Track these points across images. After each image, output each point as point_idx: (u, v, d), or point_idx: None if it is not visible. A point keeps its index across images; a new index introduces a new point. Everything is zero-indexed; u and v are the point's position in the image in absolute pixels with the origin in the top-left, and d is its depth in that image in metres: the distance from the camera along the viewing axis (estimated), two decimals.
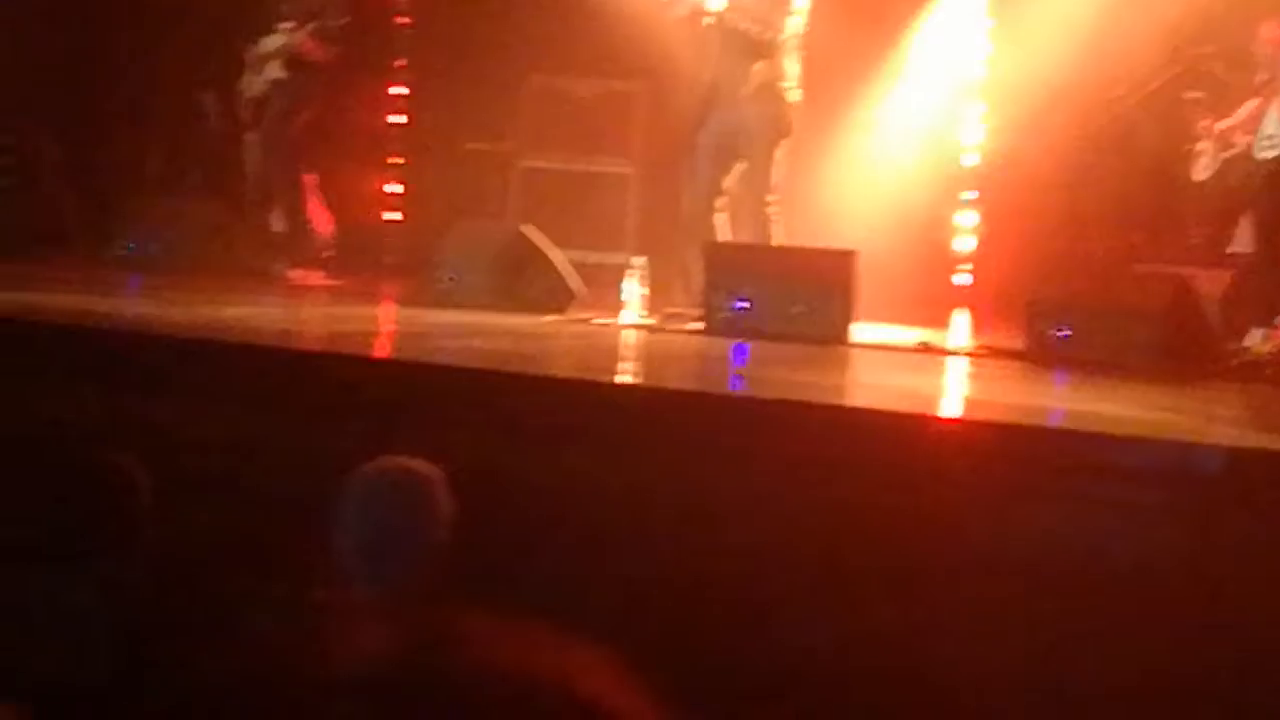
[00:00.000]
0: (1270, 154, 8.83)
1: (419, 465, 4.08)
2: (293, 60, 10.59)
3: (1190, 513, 5.10)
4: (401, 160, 12.54)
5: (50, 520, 3.43)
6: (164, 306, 7.88)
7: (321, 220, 11.03)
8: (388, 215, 12.22)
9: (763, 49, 9.18)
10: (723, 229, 9.37)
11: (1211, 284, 8.94)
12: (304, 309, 9.20)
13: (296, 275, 10.50)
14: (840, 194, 10.76)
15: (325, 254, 10.90)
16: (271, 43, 10.68)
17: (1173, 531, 5.09)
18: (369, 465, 4.05)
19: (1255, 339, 8.61)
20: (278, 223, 11.09)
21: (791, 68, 9.24)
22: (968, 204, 11.70)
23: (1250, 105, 10.35)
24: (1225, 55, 10.84)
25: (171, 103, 11.48)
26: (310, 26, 10.49)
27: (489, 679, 0.73)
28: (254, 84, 10.82)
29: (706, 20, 9.19)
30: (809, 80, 9.31)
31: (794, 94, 9.24)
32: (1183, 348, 7.94)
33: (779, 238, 9.29)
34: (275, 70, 10.67)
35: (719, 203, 9.36)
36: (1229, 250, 10.71)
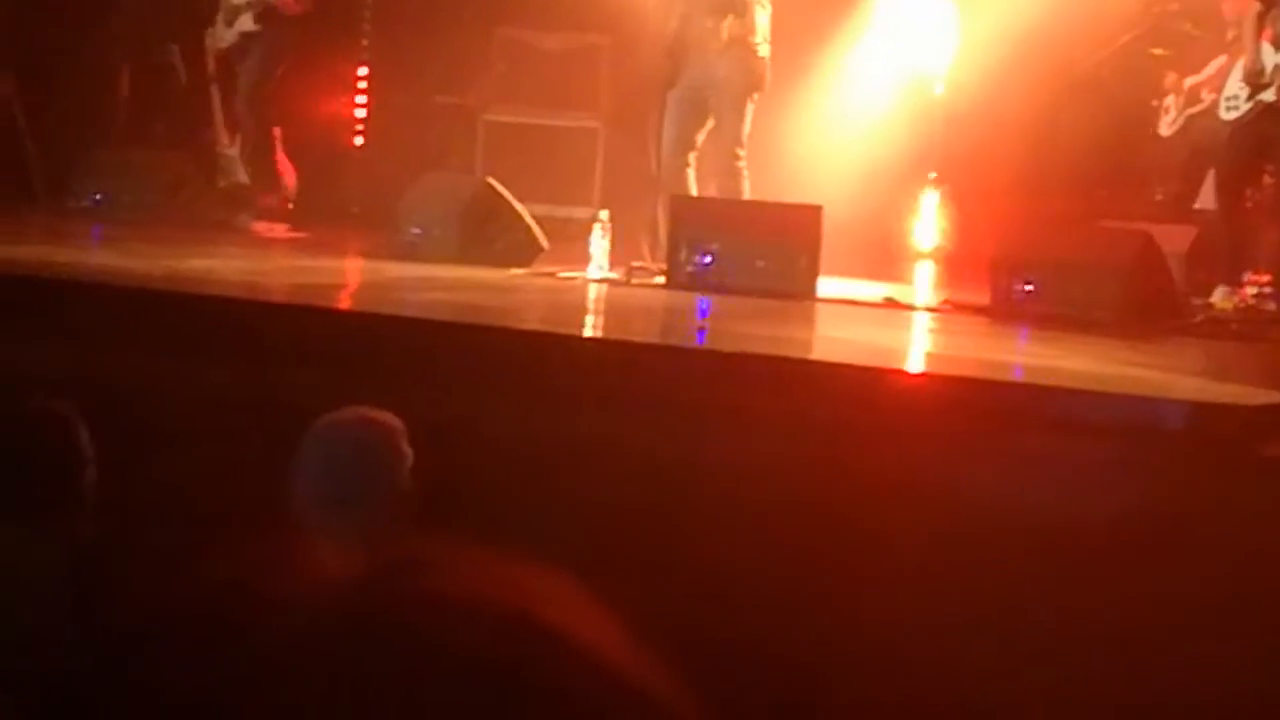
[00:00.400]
0: (1233, 114, 8.84)
1: (381, 415, 4.08)
2: (266, 13, 10.53)
3: (1153, 467, 5.12)
4: (365, 112, 12.49)
5: None
6: (127, 258, 7.84)
7: (286, 173, 11.00)
8: (353, 166, 12.17)
9: (732, 4, 9.16)
10: (696, 184, 9.36)
11: (1176, 240, 8.97)
12: (269, 261, 9.17)
13: (262, 227, 10.46)
14: (807, 149, 10.75)
15: (290, 206, 10.87)
16: None
17: (1135, 485, 5.11)
18: (331, 415, 4.05)
19: (1220, 296, 8.65)
20: (243, 174, 11.06)
21: (762, 22, 9.22)
22: (933, 159, 11.71)
23: (1218, 62, 10.36)
24: (1193, 12, 10.86)
25: (136, 54, 11.40)
26: None
27: (449, 601, 0.74)
28: (225, 36, 10.77)
29: None
30: (776, 34, 9.29)
31: (764, 49, 9.23)
32: (1147, 303, 7.96)
33: (747, 193, 9.28)
34: (247, 23, 10.62)
35: (691, 158, 9.34)
36: (1195, 206, 10.74)
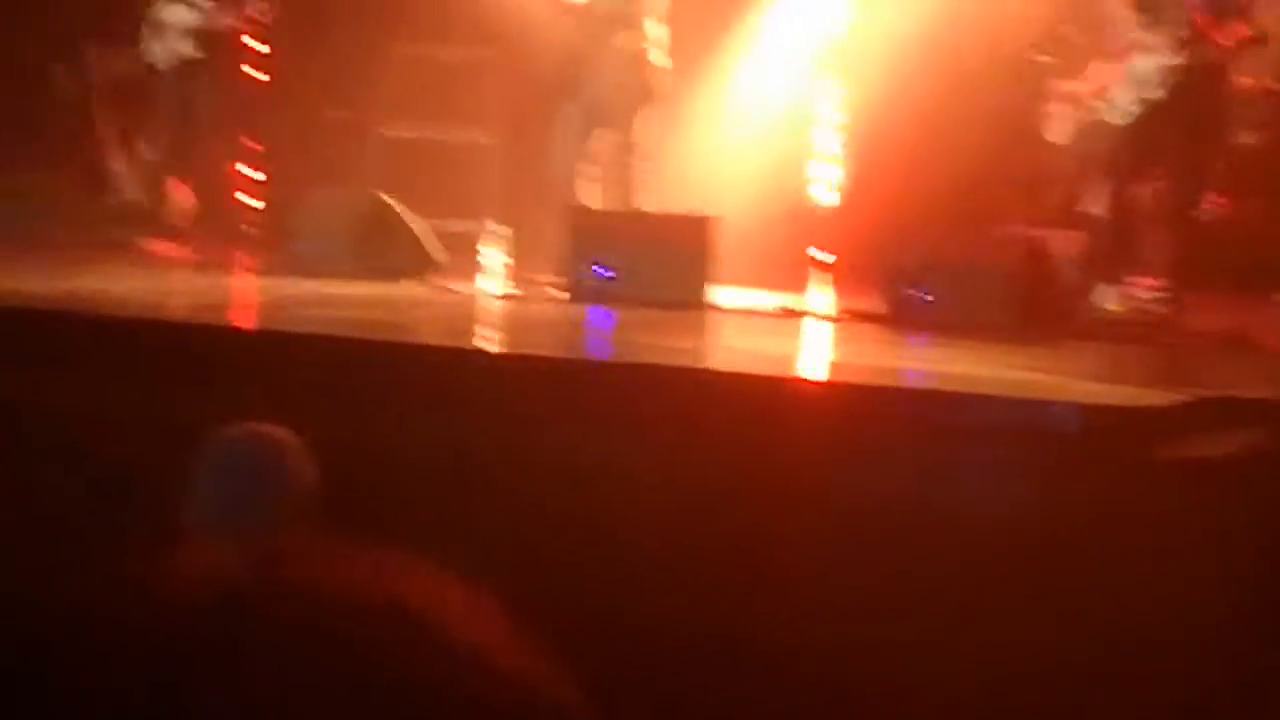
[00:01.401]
0: (1123, 121, 8.94)
1: (273, 430, 4.04)
2: (210, 40, 10.39)
3: (1047, 470, 5.16)
4: (260, 130, 12.41)
5: None
6: (19, 279, 7.75)
7: (181, 191, 10.90)
8: (247, 180, 12.09)
9: (624, 16, 9.17)
10: (594, 196, 9.37)
11: (1067, 244, 9.05)
12: (163, 280, 9.09)
13: (156, 247, 10.36)
14: (709, 157, 10.78)
15: (183, 225, 10.78)
16: (178, 15, 10.43)
17: (1031, 489, 5.15)
18: (223, 430, 4.01)
19: (1106, 296, 8.73)
20: (137, 192, 10.95)
21: (656, 32, 9.23)
22: (828, 168, 11.76)
23: (1100, 67, 10.47)
24: (1077, 17, 10.97)
25: (16, 73, 11.27)
26: (248, 10, 10.36)
27: (318, 590, 0.74)
28: (155, 53, 10.56)
29: None
30: (676, 43, 9.31)
31: (661, 59, 9.24)
32: (1038, 307, 8.04)
33: (649, 203, 9.30)
34: (188, 47, 10.42)
35: (589, 170, 9.35)
36: (1083, 211, 10.85)
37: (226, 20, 10.39)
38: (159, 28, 10.55)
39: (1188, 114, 8.63)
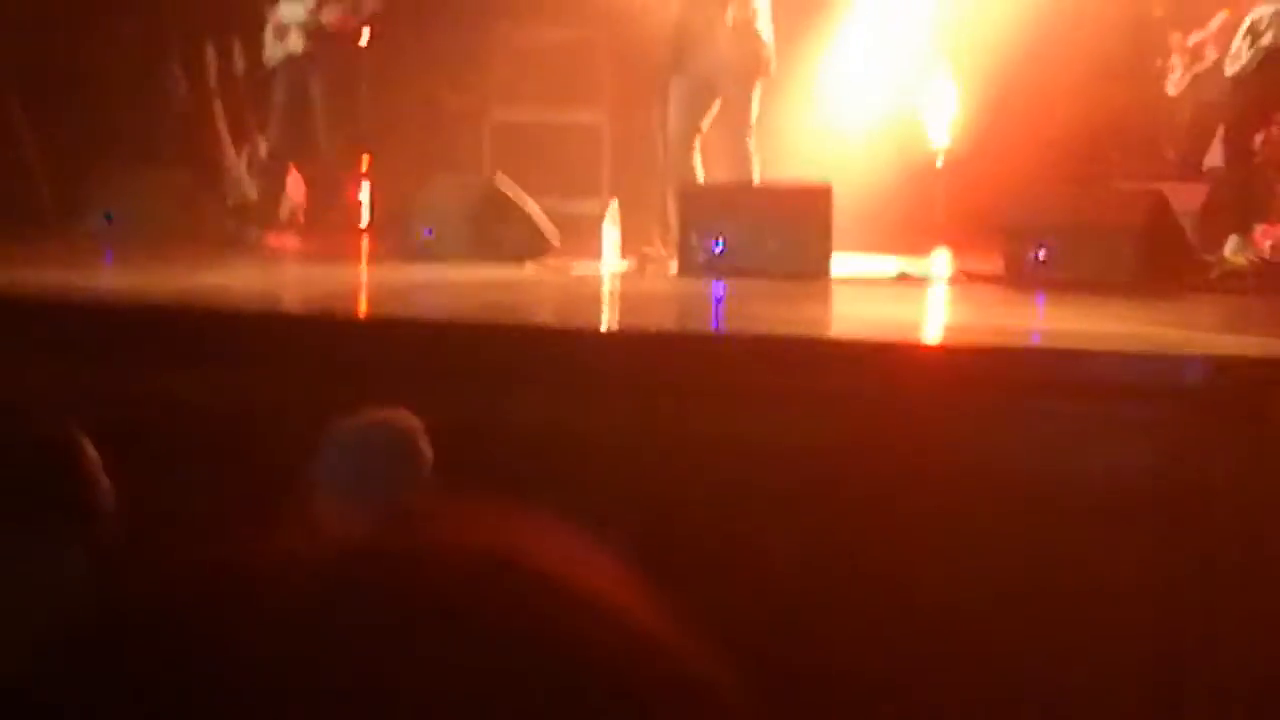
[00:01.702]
0: (1235, 67, 8.80)
1: (399, 415, 4.08)
2: (318, 34, 10.51)
3: (1177, 424, 5.11)
4: (374, 120, 12.49)
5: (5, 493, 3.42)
6: (140, 277, 7.85)
7: (296, 185, 11.02)
8: (363, 171, 12.19)
9: None
10: (707, 170, 9.36)
11: (1188, 198, 8.95)
12: (282, 273, 9.19)
13: (273, 240, 10.47)
14: (813, 128, 10.74)
15: (299, 218, 10.89)
16: (293, 13, 10.57)
17: (1160, 444, 5.10)
18: (349, 418, 4.05)
19: (1232, 247, 8.61)
20: (252, 190, 11.07)
21: (762, 4, 9.21)
22: (942, 130, 11.68)
23: (1220, 18, 10.34)
24: None
25: (137, 73, 11.41)
26: (346, 2, 10.47)
27: (455, 548, 0.74)
28: (276, 51, 10.73)
29: None
30: (776, 13, 9.28)
31: (767, 31, 9.21)
32: (1161, 263, 7.95)
33: (758, 176, 9.28)
34: (298, 43, 10.57)
35: (697, 144, 9.34)
36: (1205, 164, 10.72)
37: (335, 14, 10.47)
38: (276, 25, 10.67)
39: None
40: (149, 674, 0.76)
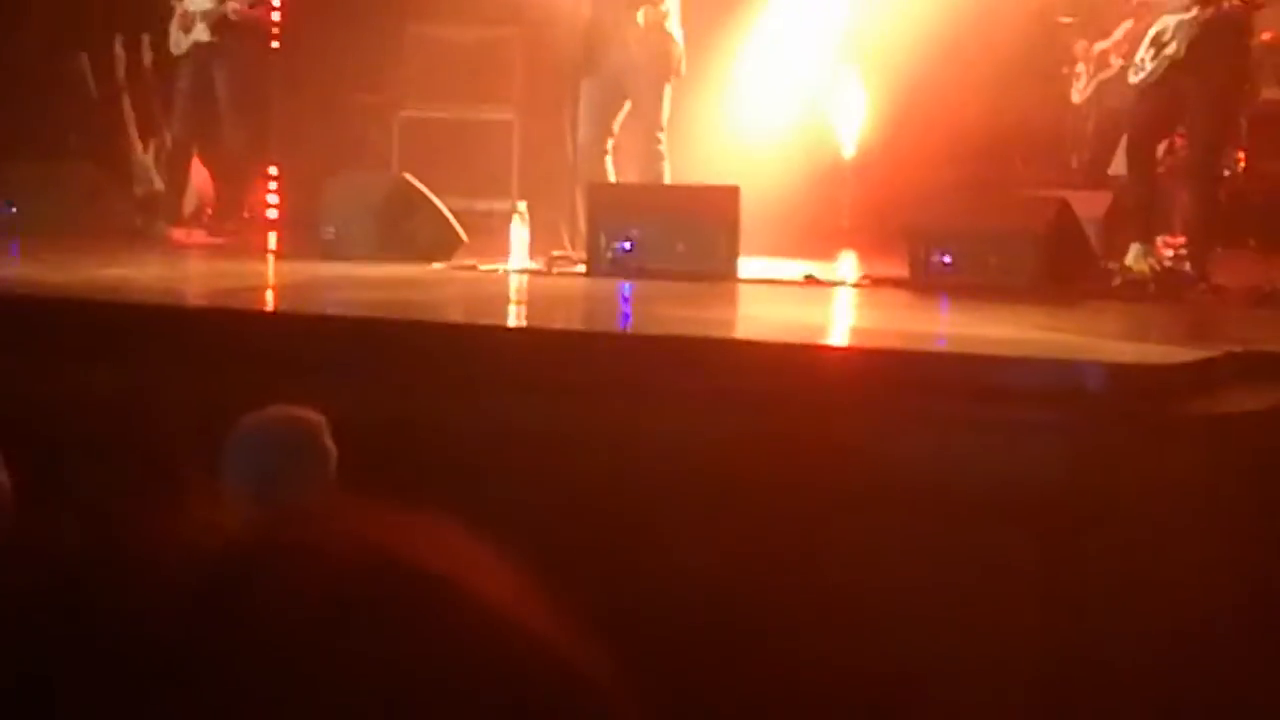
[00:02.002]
0: (1140, 76, 8.90)
1: (303, 412, 4.08)
2: (222, 24, 10.45)
3: (1076, 430, 5.16)
4: (283, 115, 12.43)
5: None
6: (43, 269, 7.79)
7: (200, 178, 10.96)
8: (268, 165, 12.12)
9: None
10: (617, 171, 9.37)
11: (1092, 205, 9.04)
12: (187, 267, 9.13)
13: (178, 234, 10.41)
14: (722, 130, 10.77)
15: (206, 211, 10.83)
16: (198, 2, 10.52)
17: (1059, 449, 5.15)
18: (254, 414, 4.04)
19: (1134, 255, 8.71)
20: (159, 182, 11.01)
21: (674, 5, 9.24)
22: (848, 135, 11.76)
23: (1125, 26, 10.44)
24: None
25: (44, 65, 11.32)
26: None
27: (338, 548, 0.74)
28: (181, 42, 10.66)
29: None
30: (687, 14, 9.31)
31: (678, 32, 9.24)
32: (1064, 269, 8.03)
33: (668, 176, 9.31)
34: (203, 33, 10.51)
35: (609, 145, 9.35)
36: (1109, 172, 10.83)
37: (240, 5, 10.42)
38: (182, 16, 10.61)
39: (1208, 71, 8.59)
40: (39, 660, 0.77)
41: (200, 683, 0.78)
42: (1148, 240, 9.04)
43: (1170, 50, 8.63)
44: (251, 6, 10.48)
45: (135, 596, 0.80)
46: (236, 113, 10.60)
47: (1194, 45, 8.55)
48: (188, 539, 0.84)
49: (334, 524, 0.86)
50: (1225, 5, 8.50)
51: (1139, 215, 8.95)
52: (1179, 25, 8.63)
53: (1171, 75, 8.67)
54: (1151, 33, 8.81)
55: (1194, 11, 8.54)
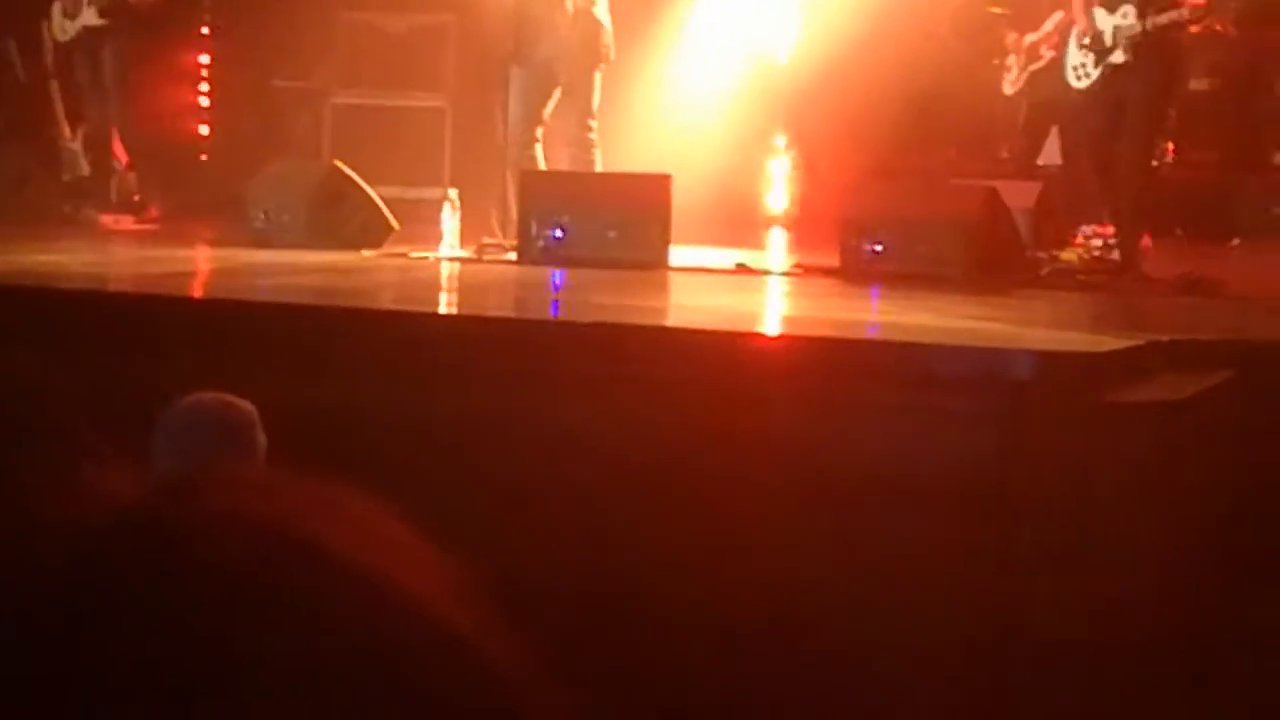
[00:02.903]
0: (1085, 82, 8.96)
1: (232, 400, 4.05)
2: (113, 7, 10.36)
3: (1003, 417, 5.19)
4: (209, 100, 12.37)
5: None
6: None
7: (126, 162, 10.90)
8: (186, 147, 12.04)
9: None
10: (548, 159, 9.37)
11: (1022, 195, 9.09)
12: (116, 253, 9.07)
13: (107, 220, 10.34)
14: (655, 118, 10.77)
15: (134, 198, 10.76)
16: None
17: (986, 437, 5.18)
18: (182, 401, 4.02)
19: (1061, 246, 8.80)
20: (86, 168, 10.93)
21: None
22: (780, 124, 11.78)
23: (1056, 18, 10.50)
24: None
25: None
26: None
27: (226, 522, 0.71)
28: (66, 28, 10.60)
29: None
30: (616, 2, 9.31)
31: (606, 19, 9.24)
32: (993, 258, 8.07)
33: (599, 164, 9.31)
34: (91, 17, 10.44)
35: (539, 133, 9.35)
36: (1039, 162, 10.90)
37: None
38: (68, 4, 10.53)
39: (1151, 75, 8.69)
40: None
41: (62, 673, 0.77)
42: (1074, 229, 9.15)
43: (1115, 58, 8.70)
44: None
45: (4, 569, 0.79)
46: (129, 95, 10.52)
47: (1139, 51, 8.64)
48: (73, 512, 0.82)
49: (217, 495, 0.84)
50: (1168, 17, 8.59)
51: (1068, 206, 9.02)
52: (1119, 31, 8.70)
53: (1115, 79, 8.75)
54: (1086, 36, 8.84)
55: (1133, 20, 8.62)
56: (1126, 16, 8.66)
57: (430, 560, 0.88)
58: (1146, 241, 8.80)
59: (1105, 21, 8.78)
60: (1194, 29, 9.09)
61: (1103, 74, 8.82)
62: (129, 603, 0.76)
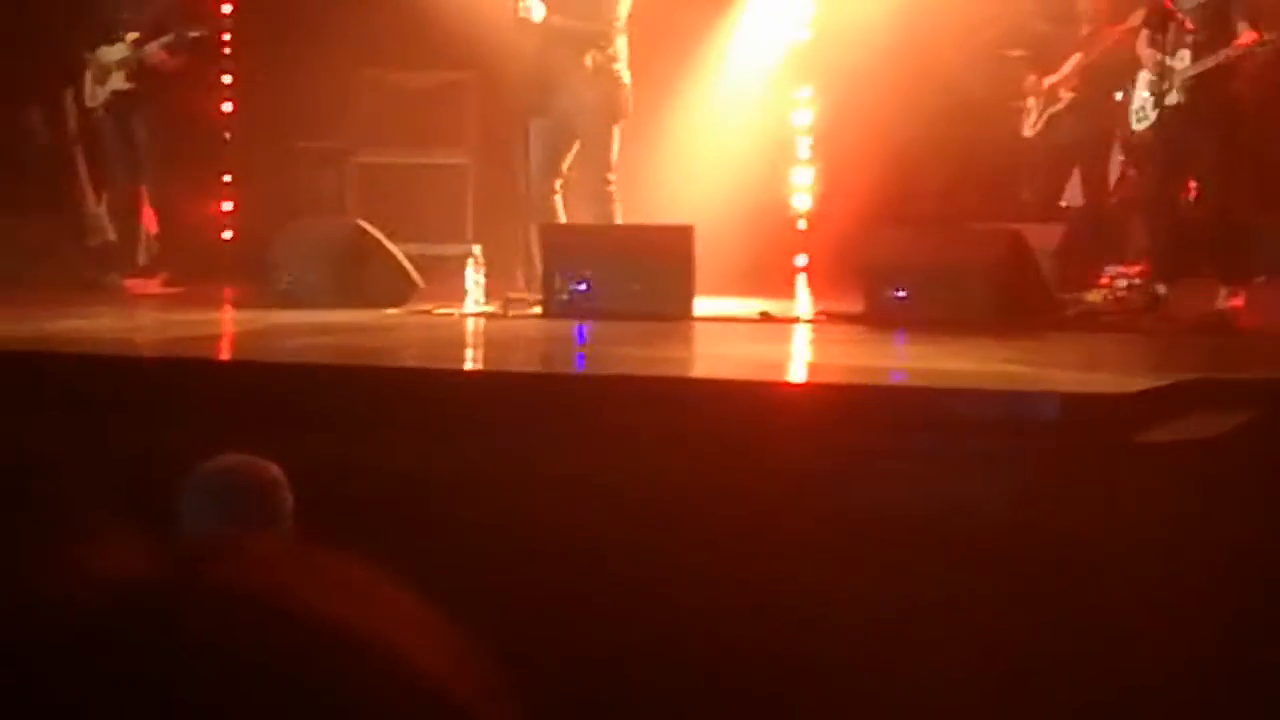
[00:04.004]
0: (1142, 125, 9.04)
1: (258, 461, 4.06)
2: (140, 71, 10.43)
3: (1030, 460, 5.18)
4: (234, 162, 12.41)
5: None
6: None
7: (152, 227, 10.94)
8: (217, 213, 12.08)
9: (595, 38, 9.21)
10: (569, 213, 9.40)
11: (1045, 238, 9.09)
12: (142, 317, 9.09)
13: (133, 285, 10.38)
14: (675, 171, 10.78)
15: (155, 261, 10.79)
16: (115, 52, 10.52)
17: (1014, 480, 5.17)
18: (208, 463, 4.03)
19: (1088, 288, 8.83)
20: (112, 233, 10.98)
21: (622, 47, 9.28)
22: (802, 172, 11.79)
23: (1074, 60, 10.52)
24: (1047, 11, 11.00)
25: None
26: (166, 39, 10.35)
27: (224, 598, 0.71)
28: (96, 94, 10.67)
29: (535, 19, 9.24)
30: (636, 56, 9.35)
31: (625, 74, 9.29)
32: (1017, 301, 8.06)
33: (619, 217, 9.33)
34: (119, 81, 10.51)
35: (558, 185, 9.38)
36: (1061, 203, 10.89)
37: (156, 50, 10.38)
38: (98, 68, 10.60)
39: (1207, 116, 8.80)
40: None
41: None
42: (1100, 270, 9.17)
43: (1171, 99, 8.79)
44: (169, 51, 10.42)
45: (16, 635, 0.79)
46: (160, 160, 10.59)
47: (1194, 94, 8.73)
48: (74, 588, 0.82)
49: (240, 565, 0.84)
50: (1215, 59, 8.68)
51: (1214, 254, 9.08)
52: (1175, 74, 8.81)
53: (1174, 121, 8.84)
54: (1147, 79, 8.94)
55: (1188, 63, 8.72)
56: (1183, 60, 8.74)
57: (433, 628, 0.88)
58: (1228, 294, 8.79)
59: (1168, 63, 8.86)
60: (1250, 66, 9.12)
61: (1160, 116, 8.86)
62: (124, 679, 0.76)
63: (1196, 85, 8.74)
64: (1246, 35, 8.75)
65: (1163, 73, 8.91)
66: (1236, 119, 9.27)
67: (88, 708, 0.77)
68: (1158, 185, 9.12)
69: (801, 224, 11.57)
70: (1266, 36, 8.78)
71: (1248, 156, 9.31)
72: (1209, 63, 8.73)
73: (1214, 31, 8.82)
